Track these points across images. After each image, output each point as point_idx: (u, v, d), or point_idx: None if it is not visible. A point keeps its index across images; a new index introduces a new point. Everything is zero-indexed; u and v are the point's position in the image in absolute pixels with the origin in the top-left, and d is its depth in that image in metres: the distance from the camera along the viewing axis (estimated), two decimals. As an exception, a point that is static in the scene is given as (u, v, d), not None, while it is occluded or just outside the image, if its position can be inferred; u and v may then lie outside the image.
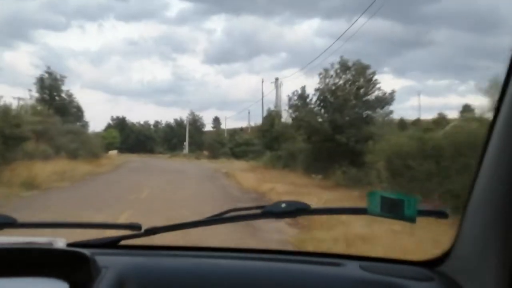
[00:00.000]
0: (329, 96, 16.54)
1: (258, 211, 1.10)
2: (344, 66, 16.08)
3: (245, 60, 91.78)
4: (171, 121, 68.62)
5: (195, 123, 65.46)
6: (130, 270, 1.04)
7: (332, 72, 16.35)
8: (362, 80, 16.14)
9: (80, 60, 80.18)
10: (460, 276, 0.95)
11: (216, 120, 69.81)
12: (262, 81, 42.89)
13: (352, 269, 1.09)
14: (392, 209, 0.99)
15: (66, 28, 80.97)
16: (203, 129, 66.06)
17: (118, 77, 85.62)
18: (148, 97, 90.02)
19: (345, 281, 1.06)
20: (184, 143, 56.26)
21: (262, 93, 41.44)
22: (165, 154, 58.70)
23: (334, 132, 15.73)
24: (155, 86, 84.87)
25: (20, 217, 1.10)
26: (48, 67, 35.71)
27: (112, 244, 1.21)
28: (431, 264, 1.09)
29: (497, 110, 0.85)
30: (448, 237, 1.03)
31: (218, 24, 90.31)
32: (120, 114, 69.92)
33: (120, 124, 67.91)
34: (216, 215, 1.17)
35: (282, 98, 30.28)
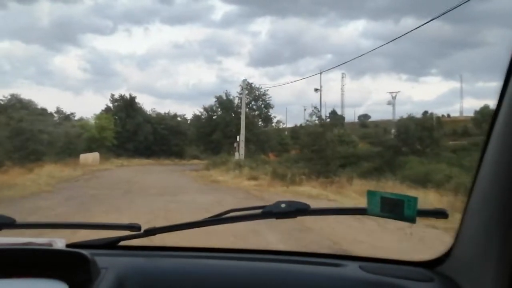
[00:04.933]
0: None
1: (258, 211, 1.10)
2: None
3: (290, 62, 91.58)
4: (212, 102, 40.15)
5: (255, 102, 35.95)
6: (129, 270, 1.04)
7: None
8: None
9: (126, 64, 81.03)
10: (460, 276, 0.95)
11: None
12: (320, 73, 35.16)
13: (352, 269, 1.08)
14: (392, 209, 0.98)
15: (113, 32, 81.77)
16: (270, 111, 36.64)
17: (164, 80, 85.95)
18: (193, 100, 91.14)
19: (345, 282, 1.05)
20: (237, 138, 26.77)
21: (321, 86, 35.67)
22: (203, 159, 35.96)
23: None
24: (200, 89, 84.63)
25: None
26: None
27: (111, 245, 1.20)
28: (431, 265, 1.08)
29: (496, 110, 0.84)
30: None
31: (262, 27, 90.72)
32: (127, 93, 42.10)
33: (125, 107, 39.71)
34: (216, 216, 1.17)
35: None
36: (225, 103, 36.67)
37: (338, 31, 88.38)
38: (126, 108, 40.18)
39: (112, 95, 41.00)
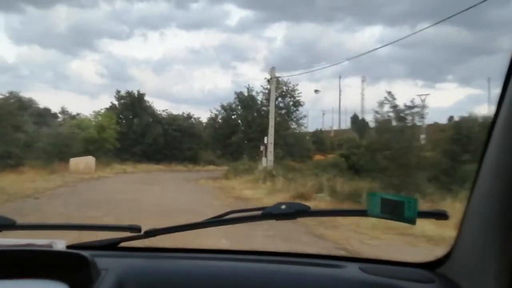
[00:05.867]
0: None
1: (258, 212, 1.09)
2: None
3: (305, 68, 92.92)
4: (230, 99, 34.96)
5: (282, 99, 30.75)
6: (130, 272, 1.04)
7: None
8: None
9: (142, 69, 79.76)
10: (461, 278, 0.94)
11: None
12: (340, 77, 31.56)
13: (352, 271, 1.07)
14: (393, 211, 0.97)
15: (129, 37, 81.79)
16: (298, 110, 31.45)
17: (180, 86, 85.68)
18: (208, 105, 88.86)
19: (345, 283, 1.04)
20: (265, 140, 21.23)
21: (340, 90, 33.03)
22: (220, 165, 32.61)
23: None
24: (215, 94, 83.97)
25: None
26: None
27: (112, 246, 1.19)
28: (432, 266, 1.07)
29: (497, 110, 0.84)
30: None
31: (278, 32, 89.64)
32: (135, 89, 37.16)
33: (132, 105, 34.86)
34: (216, 217, 1.16)
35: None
36: (246, 100, 31.29)
37: (354, 37, 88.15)
38: (133, 106, 35.34)
39: (118, 92, 36.18)
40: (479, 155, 0.92)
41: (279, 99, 30.22)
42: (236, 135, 31.09)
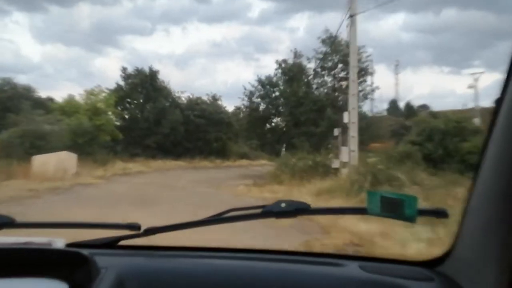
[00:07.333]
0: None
1: (258, 210, 1.09)
2: None
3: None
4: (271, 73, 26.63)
5: (344, 66, 22.29)
6: (129, 270, 1.04)
7: None
8: None
9: (165, 64, 78.91)
10: (461, 276, 0.95)
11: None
12: (372, 61, 22.29)
13: (351, 269, 1.08)
14: (393, 209, 0.97)
15: (151, 32, 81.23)
16: (366, 81, 23.10)
17: (202, 80, 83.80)
18: (231, 99, 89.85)
19: (344, 282, 1.04)
20: (345, 118, 12.68)
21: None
22: (254, 158, 27.91)
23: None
24: (238, 87, 77.36)
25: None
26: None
27: (111, 244, 1.19)
28: (431, 264, 1.08)
29: (497, 109, 0.84)
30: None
31: (300, 23, 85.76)
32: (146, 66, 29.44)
33: (141, 84, 27.07)
34: (216, 215, 1.17)
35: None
36: (292, 70, 22.94)
37: (378, 25, 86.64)
38: (144, 87, 27.54)
39: (124, 69, 28.31)
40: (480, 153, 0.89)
41: (340, 65, 21.78)
42: (279, 118, 22.97)
